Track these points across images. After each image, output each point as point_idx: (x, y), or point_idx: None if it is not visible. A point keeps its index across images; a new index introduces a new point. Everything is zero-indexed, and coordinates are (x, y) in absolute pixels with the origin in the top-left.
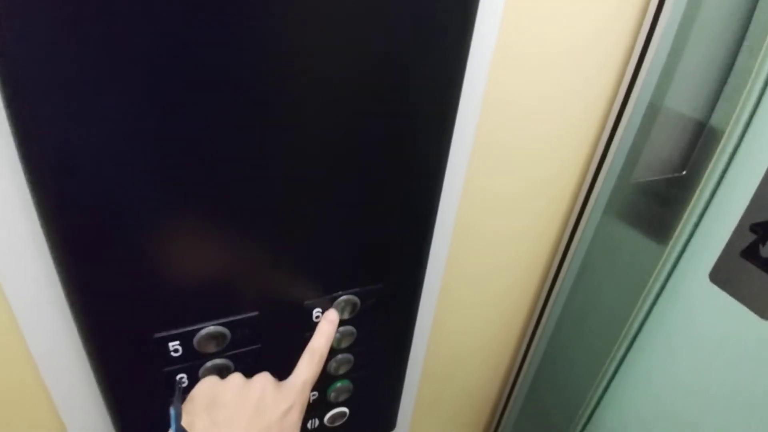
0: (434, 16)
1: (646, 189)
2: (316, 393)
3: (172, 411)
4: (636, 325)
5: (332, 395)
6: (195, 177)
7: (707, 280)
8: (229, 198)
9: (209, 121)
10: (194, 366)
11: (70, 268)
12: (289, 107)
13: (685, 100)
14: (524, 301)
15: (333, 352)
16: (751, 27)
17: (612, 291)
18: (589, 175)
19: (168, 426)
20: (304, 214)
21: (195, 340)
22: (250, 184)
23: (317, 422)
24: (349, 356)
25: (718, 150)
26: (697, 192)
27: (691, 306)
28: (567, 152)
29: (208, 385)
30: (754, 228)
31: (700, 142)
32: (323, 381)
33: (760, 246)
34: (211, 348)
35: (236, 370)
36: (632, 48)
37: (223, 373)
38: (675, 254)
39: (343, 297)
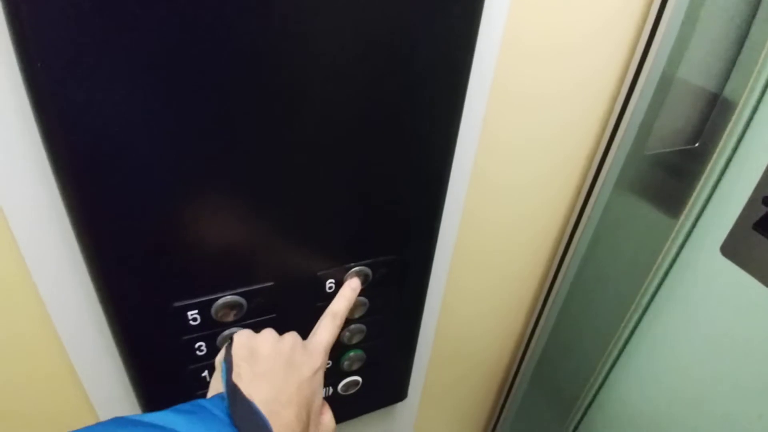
0: (444, 7)
1: (659, 161)
2: (330, 362)
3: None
4: (647, 298)
5: (345, 364)
6: (212, 152)
7: (719, 253)
8: (244, 170)
9: (227, 100)
10: (212, 334)
11: (92, 242)
12: (308, 84)
13: (698, 71)
14: (535, 274)
15: (346, 322)
16: (763, 3)
17: (623, 264)
18: (601, 148)
19: (194, 389)
20: (317, 186)
21: (213, 309)
22: (265, 156)
23: (331, 390)
24: (361, 326)
25: (731, 122)
26: (710, 164)
27: (703, 279)
28: (580, 130)
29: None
30: (767, 200)
31: (713, 113)
32: (337, 350)
33: None
34: (229, 317)
35: None
36: (645, 20)
37: None
38: (687, 227)
39: (356, 268)
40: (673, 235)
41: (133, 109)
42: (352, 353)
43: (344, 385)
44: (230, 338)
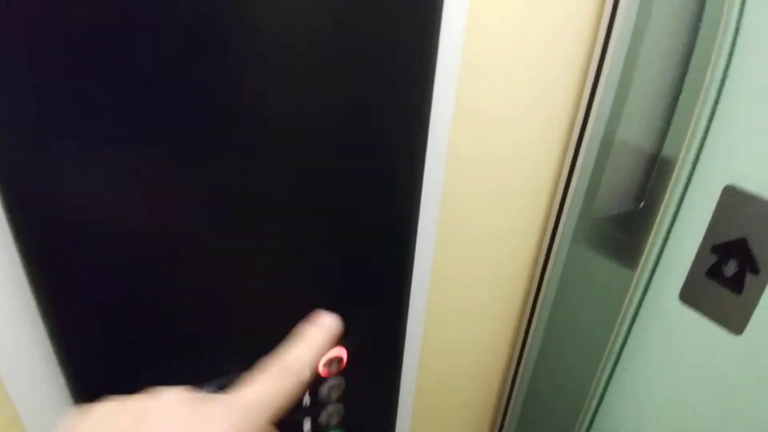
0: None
1: (608, 222)
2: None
3: None
4: (616, 348)
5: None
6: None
7: (678, 300)
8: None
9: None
10: None
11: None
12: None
13: (636, 133)
14: (507, 330)
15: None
16: (693, 60)
17: (589, 316)
18: (554, 212)
19: None
20: (285, 247)
21: None
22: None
23: None
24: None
25: (672, 179)
26: (657, 222)
27: (666, 326)
28: (531, 195)
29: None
30: (716, 249)
31: (654, 173)
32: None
33: (723, 266)
34: None
35: None
36: (583, 86)
37: None
38: (645, 278)
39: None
40: (633, 285)
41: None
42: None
43: None
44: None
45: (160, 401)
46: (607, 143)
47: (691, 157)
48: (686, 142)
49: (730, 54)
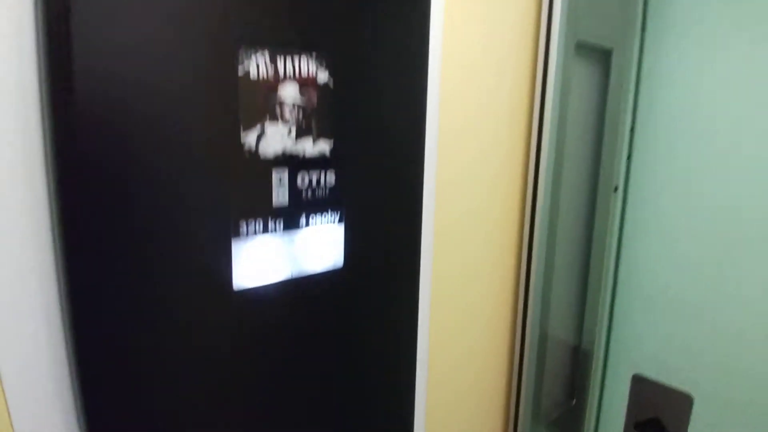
0: None
1: (553, 422)
2: None
3: None
4: None
5: None
6: None
7: None
8: None
9: None
10: None
11: None
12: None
13: (561, 328)
14: None
15: None
16: (592, 256)
17: None
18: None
19: None
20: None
21: None
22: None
23: None
24: None
25: (591, 375)
26: (588, 414)
27: None
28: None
29: None
30: (637, 426)
31: (578, 367)
32: None
33: None
34: None
35: None
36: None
37: None
38: None
39: None
40: None
41: None
42: None
43: None
44: None
45: None
46: (543, 339)
47: (602, 350)
48: (597, 334)
49: (617, 261)
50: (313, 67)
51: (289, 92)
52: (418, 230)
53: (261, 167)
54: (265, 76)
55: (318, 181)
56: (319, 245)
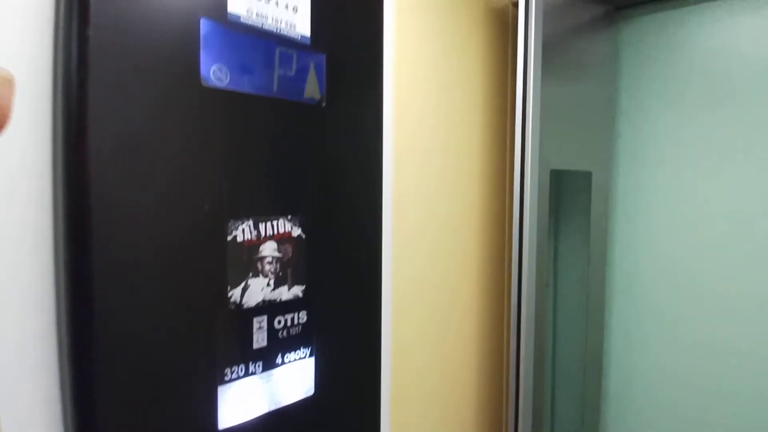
0: None
1: None
2: None
3: None
4: None
5: None
6: None
7: None
8: None
9: None
10: None
11: None
12: None
13: None
14: None
15: None
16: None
17: None
18: None
19: None
20: None
21: None
22: None
23: None
24: None
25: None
26: None
27: None
28: None
29: None
30: None
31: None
32: None
33: None
34: None
35: None
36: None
37: None
38: None
39: None
40: None
41: None
42: None
43: None
44: None
45: None
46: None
47: None
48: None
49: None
50: (288, 226)
51: (269, 248)
52: (378, 353)
53: (244, 316)
54: (250, 238)
55: (293, 321)
56: (293, 379)
